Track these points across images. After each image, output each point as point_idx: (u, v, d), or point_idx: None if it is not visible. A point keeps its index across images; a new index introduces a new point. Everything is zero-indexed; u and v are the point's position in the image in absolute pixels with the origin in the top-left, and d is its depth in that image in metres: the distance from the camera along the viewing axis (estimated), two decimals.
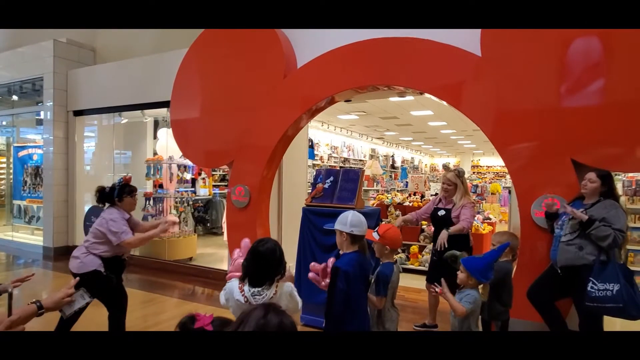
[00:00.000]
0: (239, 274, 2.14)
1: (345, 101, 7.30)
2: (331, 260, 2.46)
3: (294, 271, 4.19)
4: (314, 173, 4.69)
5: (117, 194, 3.15)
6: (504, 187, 13.50)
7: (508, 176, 17.19)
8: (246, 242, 2.47)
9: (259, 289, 1.98)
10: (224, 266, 5.80)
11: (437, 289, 2.53)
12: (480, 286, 2.48)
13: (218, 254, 7.17)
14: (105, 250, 3.06)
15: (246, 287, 2.00)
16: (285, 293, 2.07)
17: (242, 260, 2.23)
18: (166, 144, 6.66)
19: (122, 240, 3.01)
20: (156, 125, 7.71)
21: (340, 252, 2.42)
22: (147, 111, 6.95)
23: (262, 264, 1.99)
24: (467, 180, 4.06)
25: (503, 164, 3.57)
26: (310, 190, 4.66)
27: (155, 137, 7.51)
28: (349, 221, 2.34)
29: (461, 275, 2.49)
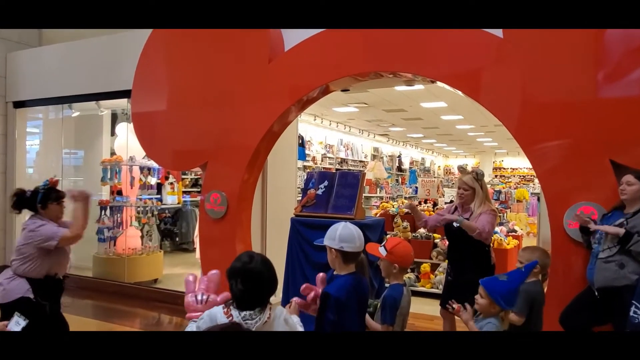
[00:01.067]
0: (197, 314, 2.14)
1: (342, 90, 7.31)
2: (320, 276, 2.46)
3: (281, 294, 4.19)
4: (305, 177, 4.70)
5: (40, 200, 3.09)
6: (531, 194, 13.58)
7: (537, 180, 17.30)
8: (213, 275, 2.44)
9: (251, 312, 1.99)
10: None
11: (454, 306, 2.54)
12: (501, 313, 2.48)
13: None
14: (34, 267, 3.02)
15: (235, 312, 1.99)
16: (279, 318, 2.08)
17: (191, 299, 2.24)
18: (126, 142, 6.63)
19: (62, 236, 2.96)
20: (114, 119, 7.68)
21: (334, 272, 2.43)
22: (103, 102, 6.92)
23: (254, 283, 2.00)
24: (488, 185, 4.09)
25: (530, 166, 3.60)
26: (300, 198, 4.66)
27: (113, 133, 7.47)
28: (337, 235, 2.34)
29: (481, 301, 2.45)
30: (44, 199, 3.10)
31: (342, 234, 2.35)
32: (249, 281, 1.99)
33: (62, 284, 3.19)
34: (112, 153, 7.21)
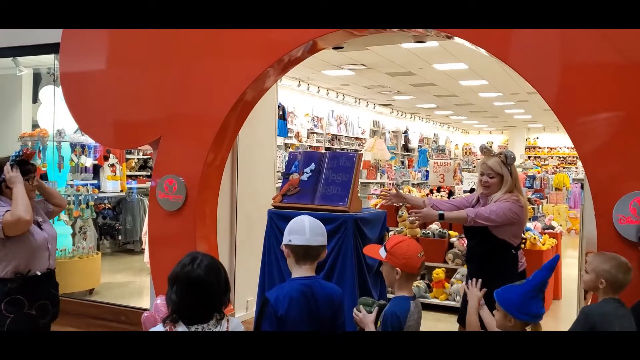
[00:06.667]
0: None
1: (335, 48, 7.27)
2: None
3: (255, 303, 4.22)
4: (287, 158, 4.70)
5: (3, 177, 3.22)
6: (573, 180, 13.77)
7: (580, 163, 17.47)
8: (160, 304, 2.50)
9: (203, 325, 2.10)
10: (145, 303, 5.79)
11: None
12: (529, 327, 2.54)
13: (134, 283, 7.13)
14: None
15: (181, 328, 2.09)
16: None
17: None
18: (53, 111, 6.58)
19: (4, 222, 3.06)
20: (37, 81, 7.59)
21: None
22: (22, 59, 6.84)
23: (192, 292, 2.10)
24: (519, 170, 4.13)
25: (572, 145, 3.64)
26: (280, 184, 4.67)
27: (35, 100, 7.41)
28: (287, 228, 2.52)
29: (496, 314, 2.53)
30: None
31: (290, 226, 2.51)
32: (185, 289, 2.10)
33: (45, 281, 3.28)
34: (35, 125, 7.15)
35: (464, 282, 4.00)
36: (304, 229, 2.47)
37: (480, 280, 2.63)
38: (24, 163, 3.30)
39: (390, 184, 12.66)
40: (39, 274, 3.25)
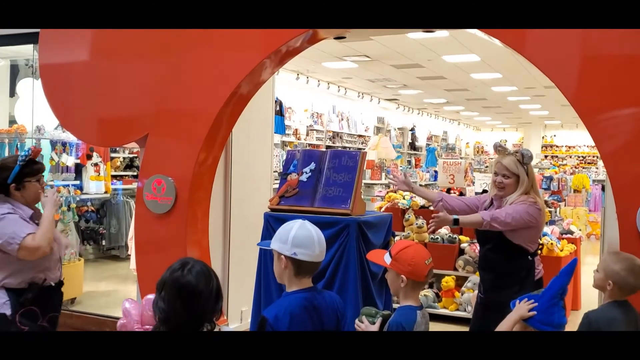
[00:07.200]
0: None
1: (337, 38, 7.28)
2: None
3: (251, 313, 4.22)
4: (285, 157, 4.70)
5: (13, 177, 3.19)
6: (594, 181, 13.78)
7: (601, 163, 17.48)
8: (130, 307, 2.48)
9: None
10: None
11: None
12: None
13: (120, 292, 7.11)
14: (7, 274, 3.12)
15: None
16: None
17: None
18: (32, 106, 6.57)
19: (22, 243, 3.04)
20: (14, 73, 7.60)
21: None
22: None
23: (182, 300, 2.10)
24: (535, 170, 4.12)
25: (592, 144, 3.64)
26: (277, 185, 4.67)
27: (12, 94, 7.42)
28: (291, 237, 2.43)
29: (516, 327, 2.52)
30: (19, 176, 3.19)
31: (297, 236, 2.42)
32: (173, 296, 2.10)
33: (56, 293, 3.33)
34: (12, 121, 7.15)
35: (476, 291, 3.99)
36: (314, 244, 2.43)
37: (536, 304, 2.55)
38: (33, 162, 3.31)
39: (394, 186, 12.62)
40: (52, 284, 3.29)
